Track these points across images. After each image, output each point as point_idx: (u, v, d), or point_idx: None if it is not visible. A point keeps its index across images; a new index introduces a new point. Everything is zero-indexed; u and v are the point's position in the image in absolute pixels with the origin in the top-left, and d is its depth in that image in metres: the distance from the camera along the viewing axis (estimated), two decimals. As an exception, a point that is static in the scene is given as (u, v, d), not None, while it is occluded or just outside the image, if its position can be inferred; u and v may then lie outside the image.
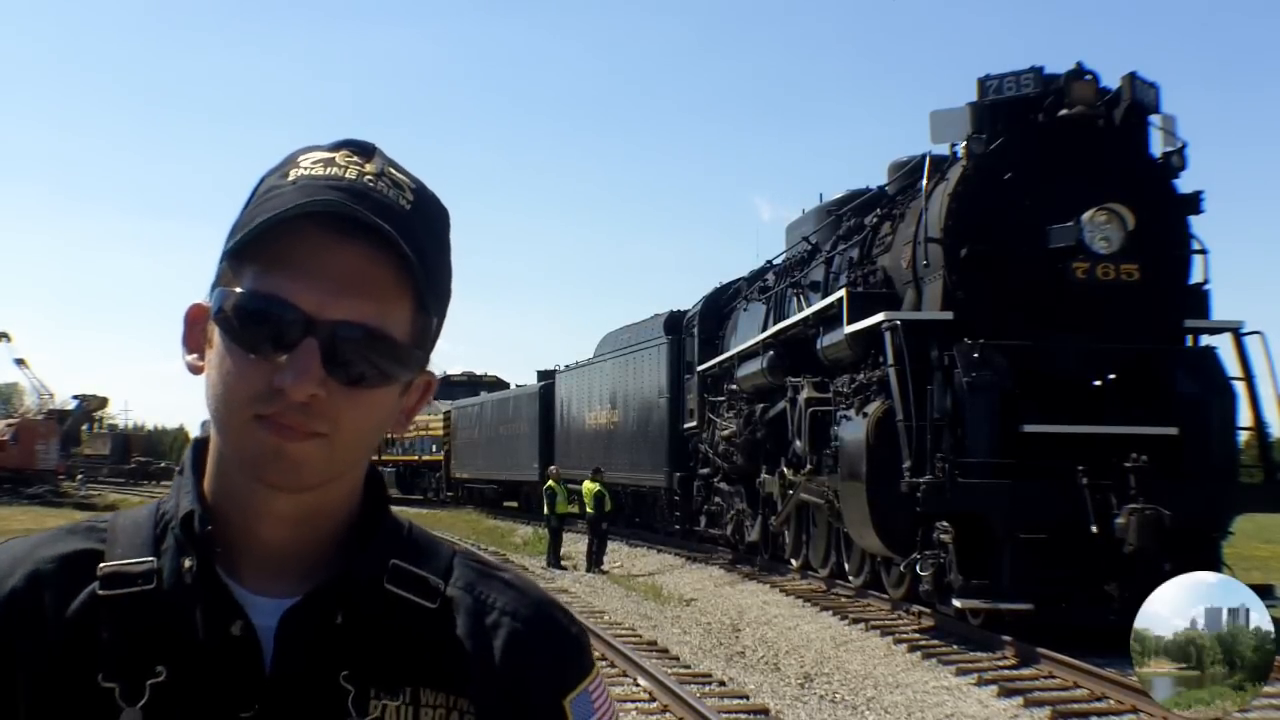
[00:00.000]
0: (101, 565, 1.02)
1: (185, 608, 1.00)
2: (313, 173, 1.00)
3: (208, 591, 1.00)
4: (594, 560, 19.66)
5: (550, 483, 20.82)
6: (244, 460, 1.00)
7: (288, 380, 0.96)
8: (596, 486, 20.69)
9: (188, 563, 1.01)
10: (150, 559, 1.02)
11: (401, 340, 1.01)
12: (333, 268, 0.98)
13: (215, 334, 1.01)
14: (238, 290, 0.99)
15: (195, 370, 1.04)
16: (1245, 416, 11.52)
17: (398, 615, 1.04)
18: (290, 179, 1.00)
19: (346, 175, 1.00)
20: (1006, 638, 10.08)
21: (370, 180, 1.01)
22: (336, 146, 1.03)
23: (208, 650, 0.98)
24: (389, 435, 1.11)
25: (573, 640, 1.12)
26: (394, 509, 1.12)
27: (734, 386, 18.51)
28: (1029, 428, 10.69)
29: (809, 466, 14.18)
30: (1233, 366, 11.71)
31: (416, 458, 44.64)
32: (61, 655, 0.98)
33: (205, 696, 0.97)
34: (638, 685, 9.08)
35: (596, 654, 9.56)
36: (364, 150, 1.03)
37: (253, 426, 0.98)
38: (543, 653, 1.09)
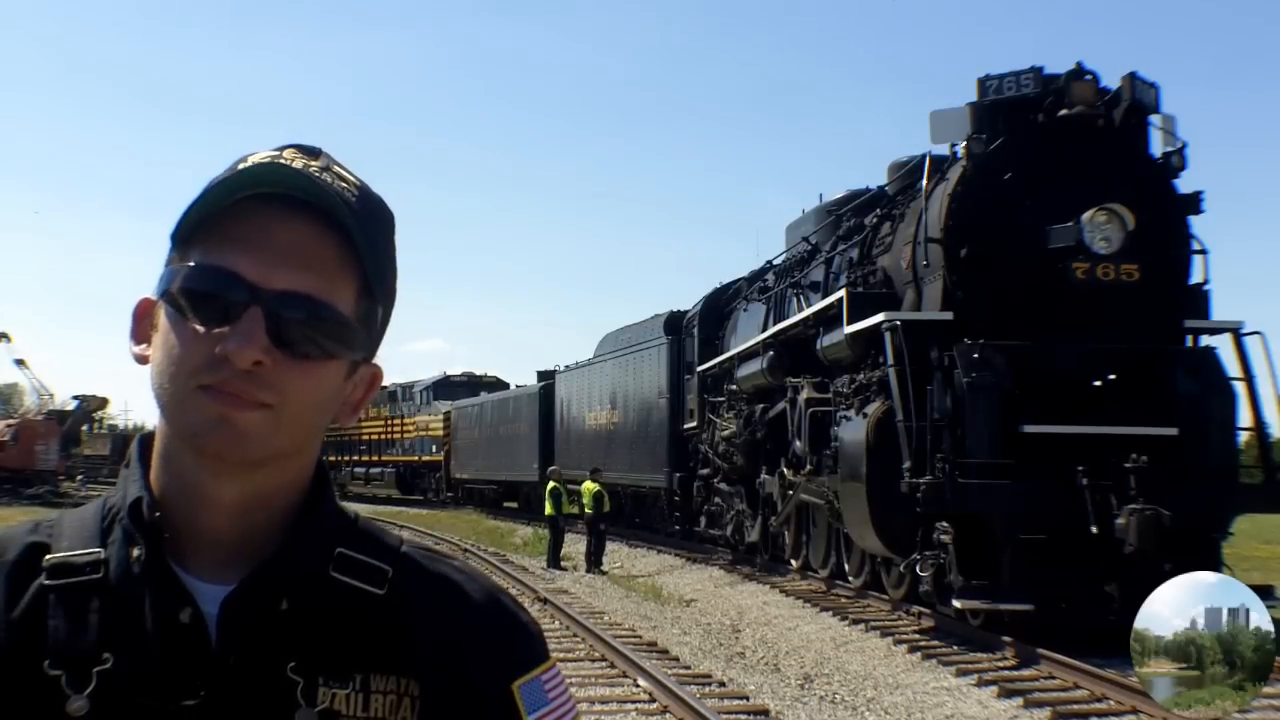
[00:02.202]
0: (47, 557, 1.02)
1: (133, 596, 1.00)
2: (259, 163, 1.02)
3: (156, 579, 1.00)
4: (593, 560, 19.66)
5: (553, 484, 20.79)
6: (188, 433, 1.00)
7: (231, 346, 0.96)
8: (595, 486, 20.72)
9: (135, 551, 1.01)
10: (97, 550, 1.02)
11: (347, 317, 1.02)
12: (277, 241, 1.00)
13: (161, 315, 1.02)
14: (185, 265, 1.00)
15: (142, 360, 1.05)
16: (1245, 416, 11.52)
17: (345, 602, 1.04)
18: (237, 170, 1.02)
19: (293, 165, 1.02)
20: (1006, 638, 10.08)
21: (316, 171, 1.02)
22: (283, 147, 1.05)
23: (155, 638, 0.98)
24: (340, 427, 1.12)
25: (522, 626, 1.12)
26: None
27: (734, 387, 18.51)
28: (1029, 428, 10.68)
29: (809, 467, 14.17)
30: (1233, 366, 11.71)
31: (416, 458, 44.58)
32: (7, 646, 0.99)
33: (153, 684, 0.97)
34: (638, 686, 9.08)
35: (597, 654, 9.49)
36: (310, 151, 1.06)
37: (196, 396, 0.98)
38: (490, 635, 1.09)
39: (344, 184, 1.04)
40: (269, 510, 1.05)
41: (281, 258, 0.99)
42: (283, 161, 1.02)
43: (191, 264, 1.00)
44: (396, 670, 1.04)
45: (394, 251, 1.09)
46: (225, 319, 0.98)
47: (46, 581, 1.01)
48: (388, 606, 1.06)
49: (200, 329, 0.98)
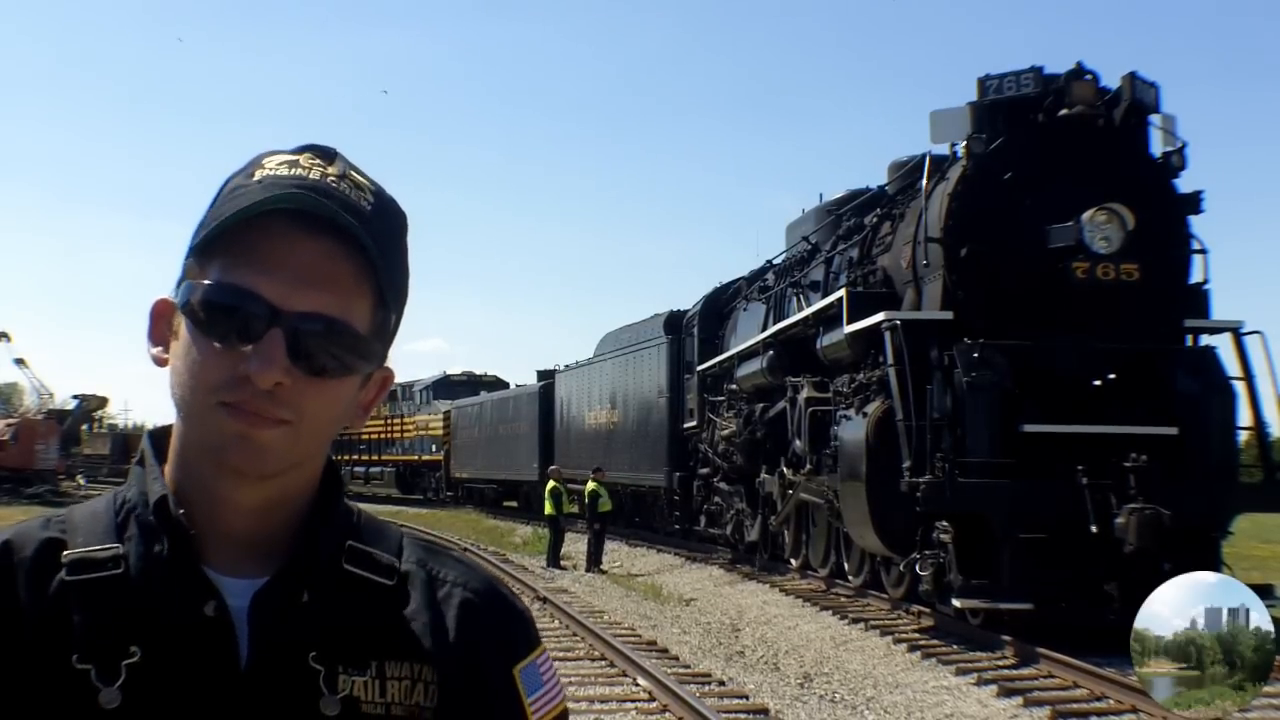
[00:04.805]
0: (66, 553, 1.04)
1: (157, 590, 1.02)
2: (277, 173, 1.04)
3: (180, 573, 1.03)
4: (592, 560, 19.66)
5: (554, 484, 20.78)
6: (208, 446, 1.03)
7: (253, 368, 0.99)
8: (591, 485, 20.72)
9: (158, 546, 1.04)
10: (115, 545, 1.05)
11: (362, 333, 1.05)
12: (297, 261, 1.02)
13: (182, 326, 1.04)
14: (205, 283, 1.02)
15: (160, 362, 1.08)
16: (1245, 416, 11.53)
17: (358, 594, 1.08)
18: (255, 179, 1.04)
19: (310, 175, 1.04)
20: (1006, 637, 10.08)
21: (333, 181, 1.04)
22: (300, 150, 1.07)
23: (182, 630, 1.01)
24: (348, 428, 1.15)
25: (519, 614, 1.18)
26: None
27: (734, 386, 18.51)
28: (1029, 427, 10.68)
29: (809, 466, 14.17)
30: (1233, 366, 11.72)
31: (416, 458, 44.55)
32: (34, 642, 1.01)
33: (181, 675, 1.00)
34: (637, 685, 9.08)
35: (596, 653, 9.50)
36: (326, 154, 1.07)
37: (217, 413, 1.01)
38: (493, 622, 1.15)
39: (360, 191, 1.06)
40: (286, 510, 1.08)
41: (301, 278, 1.01)
42: (301, 172, 1.04)
43: (210, 282, 1.02)
44: (410, 657, 1.08)
45: (407, 255, 1.11)
46: (246, 338, 1.00)
47: (67, 577, 1.03)
48: (397, 597, 1.11)
49: (220, 345, 1.01)
